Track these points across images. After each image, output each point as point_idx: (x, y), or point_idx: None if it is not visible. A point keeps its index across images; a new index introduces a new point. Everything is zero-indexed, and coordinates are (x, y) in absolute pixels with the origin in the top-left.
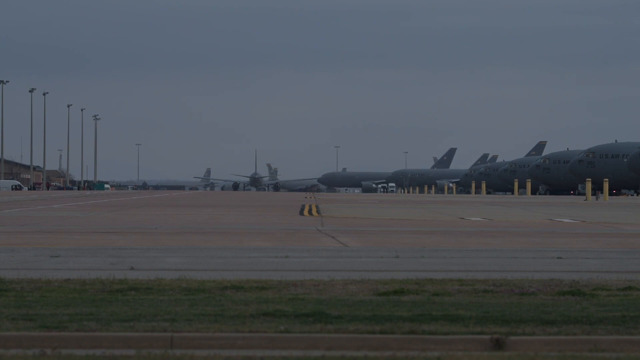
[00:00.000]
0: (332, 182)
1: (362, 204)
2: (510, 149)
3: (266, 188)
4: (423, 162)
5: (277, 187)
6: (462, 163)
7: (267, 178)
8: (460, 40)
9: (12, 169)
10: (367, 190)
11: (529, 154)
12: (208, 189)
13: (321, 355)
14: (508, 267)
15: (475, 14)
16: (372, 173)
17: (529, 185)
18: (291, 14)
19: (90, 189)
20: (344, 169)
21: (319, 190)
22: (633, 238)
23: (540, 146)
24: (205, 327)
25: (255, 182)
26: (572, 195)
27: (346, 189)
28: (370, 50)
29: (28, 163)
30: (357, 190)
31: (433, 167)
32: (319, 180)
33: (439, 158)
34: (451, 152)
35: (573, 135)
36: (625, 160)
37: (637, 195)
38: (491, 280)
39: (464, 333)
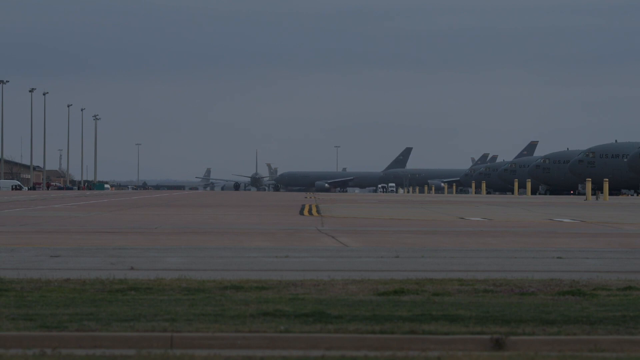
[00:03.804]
0: (289, 182)
1: (362, 204)
2: (510, 149)
3: (266, 188)
4: (424, 162)
5: (277, 187)
6: (462, 163)
7: (268, 178)
8: (459, 40)
9: (12, 169)
10: (320, 190)
11: (520, 154)
12: (208, 189)
13: (321, 355)
14: (508, 267)
15: (475, 14)
16: (328, 173)
17: (529, 185)
18: (291, 14)
19: (90, 189)
20: (344, 169)
21: (318, 191)
22: (633, 238)
23: (532, 146)
24: (205, 327)
25: (255, 182)
26: (572, 195)
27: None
28: (369, 50)
29: (28, 163)
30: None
31: (388, 167)
32: (276, 180)
33: (394, 158)
34: (407, 152)
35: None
36: (625, 160)
37: (637, 195)
38: (491, 280)
39: (464, 333)
